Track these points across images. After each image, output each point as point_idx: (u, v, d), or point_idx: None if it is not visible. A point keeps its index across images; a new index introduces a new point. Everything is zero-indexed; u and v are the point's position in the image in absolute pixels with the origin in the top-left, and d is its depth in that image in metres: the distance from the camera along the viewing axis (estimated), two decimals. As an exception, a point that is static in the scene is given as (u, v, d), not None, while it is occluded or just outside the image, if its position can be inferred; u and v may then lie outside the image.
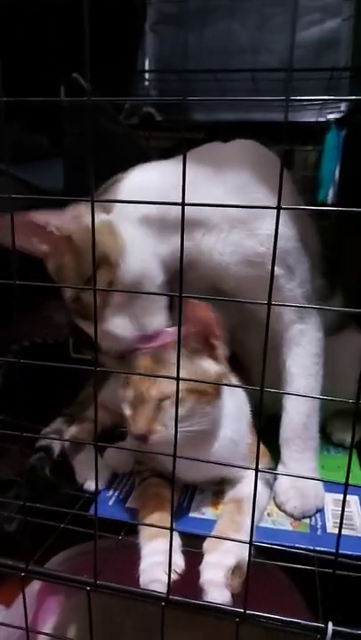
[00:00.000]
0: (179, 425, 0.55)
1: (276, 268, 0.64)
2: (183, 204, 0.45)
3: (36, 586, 1.06)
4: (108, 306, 0.65)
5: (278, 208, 0.44)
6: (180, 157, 0.70)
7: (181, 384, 0.53)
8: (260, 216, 0.67)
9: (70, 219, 0.65)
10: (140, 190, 0.68)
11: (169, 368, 0.62)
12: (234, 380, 0.72)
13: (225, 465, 0.58)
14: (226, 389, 0.67)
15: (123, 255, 0.64)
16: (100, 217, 0.64)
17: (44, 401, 1.01)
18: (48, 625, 1.08)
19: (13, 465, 0.92)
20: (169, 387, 0.61)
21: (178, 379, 0.50)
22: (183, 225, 0.46)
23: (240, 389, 0.72)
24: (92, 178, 0.48)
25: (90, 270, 0.59)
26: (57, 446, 0.86)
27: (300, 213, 0.75)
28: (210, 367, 0.65)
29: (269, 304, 0.46)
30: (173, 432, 0.56)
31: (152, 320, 0.68)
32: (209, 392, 0.63)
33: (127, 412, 0.65)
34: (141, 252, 0.66)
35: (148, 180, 0.70)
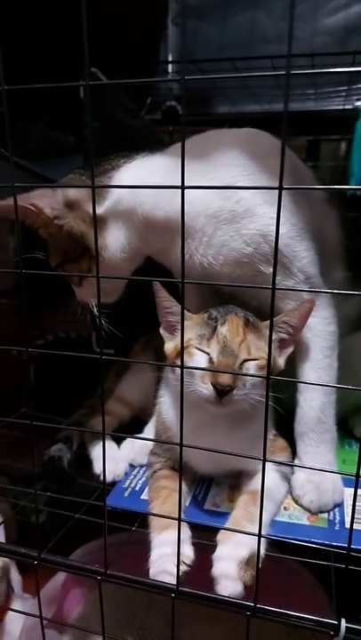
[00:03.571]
0: (251, 390, 0.61)
1: (267, 267, 0.64)
2: (183, 187, 0.45)
3: (61, 577, 1.07)
4: (85, 279, 0.76)
5: (280, 188, 0.42)
6: (174, 148, 0.71)
7: (264, 355, 0.61)
8: (247, 215, 0.65)
9: (62, 204, 0.71)
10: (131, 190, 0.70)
11: (258, 337, 0.65)
12: None
13: (234, 455, 0.57)
14: None
15: (103, 251, 0.72)
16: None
17: (68, 394, 1.02)
18: (73, 615, 1.09)
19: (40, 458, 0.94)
20: (258, 351, 0.64)
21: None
22: (183, 208, 0.45)
23: None
24: (92, 161, 0.48)
25: (72, 253, 0.72)
26: (76, 438, 0.87)
27: (315, 203, 0.73)
28: (276, 358, 0.68)
29: (273, 289, 0.45)
30: (250, 394, 0.61)
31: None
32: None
33: (205, 364, 0.64)
34: (120, 251, 0.72)
35: (140, 179, 0.70)
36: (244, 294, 0.71)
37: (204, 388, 0.61)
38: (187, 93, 0.46)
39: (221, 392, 0.60)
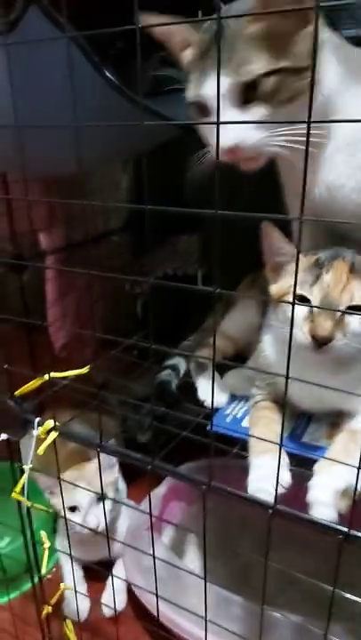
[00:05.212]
0: (352, 339, 0.60)
1: None
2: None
3: (161, 490, 1.18)
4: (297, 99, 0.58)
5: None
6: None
7: None
8: None
9: None
10: None
11: None
12: None
13: (339, 390, 0.58)
14: None
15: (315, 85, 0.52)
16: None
17: (176, 326, 1.08)
18: (170, 527, 1.21)
19: (149, 384, 1.02)
20: None
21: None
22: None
23: None
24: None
25: (301, 60, 0.56)
26: (183, 366, 0.93)
27: None
28: None
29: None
30: (351, 343, 0.60)
31: None
32: None
33: (304, 313, 0.63)
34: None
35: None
36: None
37: (303, 337, 0.62)
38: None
39: (320, 342, 0.61)
